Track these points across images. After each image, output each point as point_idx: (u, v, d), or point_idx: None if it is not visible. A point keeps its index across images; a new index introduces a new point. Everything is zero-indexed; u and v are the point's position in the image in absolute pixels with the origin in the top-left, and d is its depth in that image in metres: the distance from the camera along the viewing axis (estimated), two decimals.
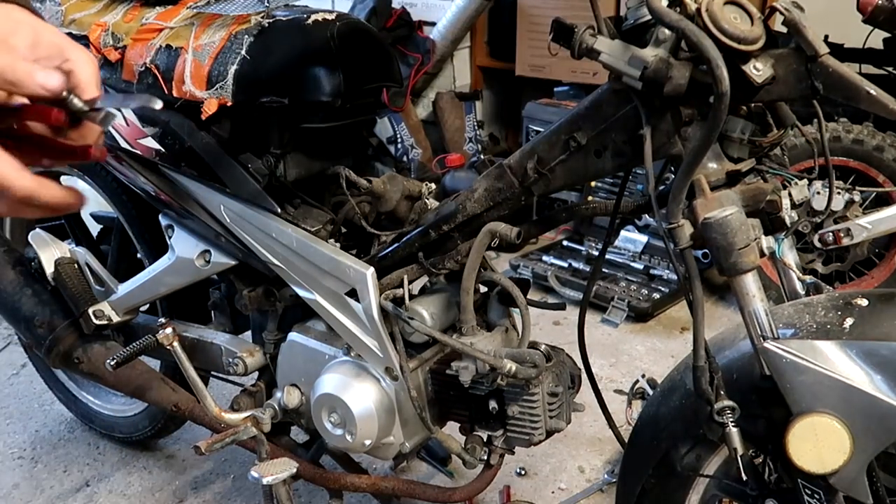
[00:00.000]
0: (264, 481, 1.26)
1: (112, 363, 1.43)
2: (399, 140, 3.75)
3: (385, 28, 3.58)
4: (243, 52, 1.29)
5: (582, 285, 2.85)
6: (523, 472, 1.95)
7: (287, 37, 1.30)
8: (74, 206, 0.70)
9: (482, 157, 1.27)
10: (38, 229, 1.75)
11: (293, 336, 1.43)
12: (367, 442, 1.31)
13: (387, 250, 1.31)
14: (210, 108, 1.30)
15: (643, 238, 3.03)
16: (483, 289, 1.37)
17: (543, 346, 1.27)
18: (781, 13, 0.90)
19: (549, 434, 1.30)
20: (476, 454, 1.33)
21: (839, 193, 2.25)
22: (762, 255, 0.96)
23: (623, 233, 3.05)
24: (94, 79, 0.73)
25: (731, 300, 2.75)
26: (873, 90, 0.88)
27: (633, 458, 1.23)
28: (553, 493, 1.90)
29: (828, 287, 1.22)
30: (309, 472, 1.45)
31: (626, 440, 1.28)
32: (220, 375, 1.60)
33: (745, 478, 1.00)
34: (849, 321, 0.96)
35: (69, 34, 0.93)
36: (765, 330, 0.96)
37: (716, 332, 1.17)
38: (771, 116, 1.03)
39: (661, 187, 1.11)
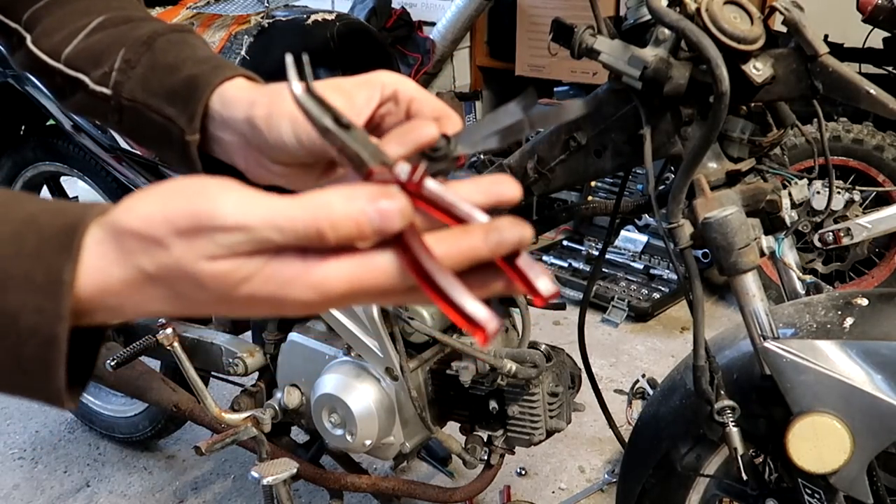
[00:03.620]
0: (265, 481, 1.26)
1: (112, 363, 1.43)
2: None
3: (385, 28, 3.58)
4: (243, 53, 1.29)
5: (582, 285, 2.85)
6: (523, 472, 1.95)
7: (287, 37, 1.30)
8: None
9: (482, 157, 1.27)
10: None
11: (293, 336, 1.43)
12: (368, 442, 1.31)
13: None
14: None
15: (643, 238, 3.02)
16: None
17: (543, 346, 1.27)
18: (781, 13, 0.90)
19: (550, 434, 1.30)
20: (476, 454, 1.33)
21: (839, 193, 2.24)
22: (762, 254, 0.96)
23: (623, 233, 3.05)
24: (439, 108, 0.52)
25: (731, 300, 2.75)
26: (873, 90, 0.88)
27: (634, 458, 1.23)
28: (553, 493, 1.90)
29: (828, 287, 1.22)
30: (309, 473, 1.45)
31: (627, 440, 1.28)
32: (220, 376, 1.60)
33: (745, 477, 1.00)
34: (849, 321, 0.96)
35: None
36: (765, 330, 0.96)
37: (716, 332, 1.17)
38: (771, 116, 1.03)
39: (661, 187, 1.11)
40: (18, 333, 0.39)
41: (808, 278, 1.18)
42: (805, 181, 1.09)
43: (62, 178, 1.91)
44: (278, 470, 1.27)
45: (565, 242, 3.22)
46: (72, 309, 0.39)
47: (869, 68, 2.69)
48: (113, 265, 0.40)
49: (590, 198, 3.16)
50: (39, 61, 0.68)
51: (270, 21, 1.31)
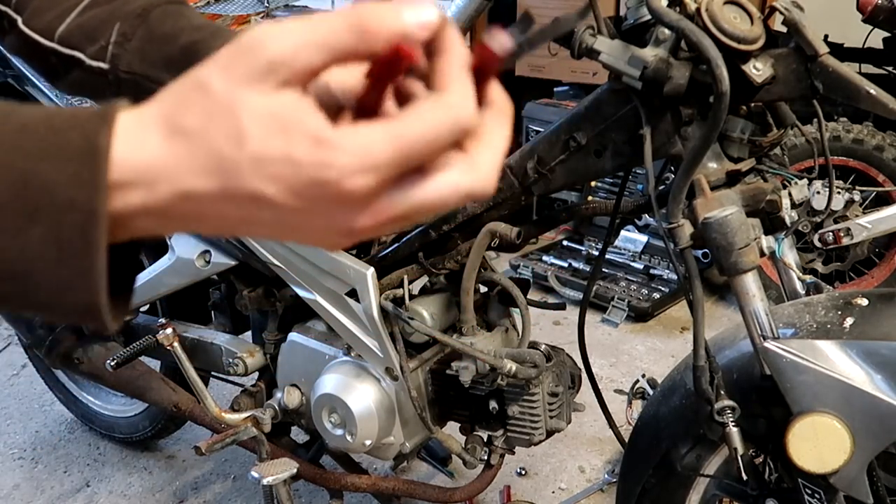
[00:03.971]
0: (265, 481, 1.26)
1: (112, 363, 1.43)
2: None
3: None
4: None
5: (582, 285, 2.85)
6: (523, 472, 1.95)
7: None
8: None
9: None
10: None
11: (293, 336, 1.43)
12: (368, 442, 1.31)
13: (387, 250, 1.31)
14: None
15: (643, 238, 3.02)
16: (483, 289, 1.37)
17: (543, 346, 1.27)
18: (781, 13, 0.90)
19: (550, 434, 1.30)
20: (476, 454, 1.33)
21: (839, 193, 2.24)
22: (762, 254, 0.96)
23: (623, 233, 3.05)
24: None
25: (731, 300, 2.75)
26: (873, 90, 0.88)
27: (634, 458, 1.23)
28: (553, 493, 1.90)
29: (828, 287, 1.22)
30: (309, 473, 1.45)
31: (627, 440, 1.28)
32: (220, 376, 1.60)
33: (745, 477, 1.00)
34: (849, 321, 0.96)
35: None
36: (765, 330, 0.96)
37: (716, 332, 1.17)
38: (771, 116, 1.03)
39: (661, 187, 1.11)
40: (57, 208, 0.36)
41: (808, 278, 1.18)
42: (805, 181, 1.09)
43: None
44: (278, 470, 1.27)
45: (565, 242, 3.22)
46: (109, 183, 0.36)
47: (869, 68, 2.70)
48: (148, 131, 0.37)
49: (590, 198, 3.16)
50: (32, 42, 0.67)
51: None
